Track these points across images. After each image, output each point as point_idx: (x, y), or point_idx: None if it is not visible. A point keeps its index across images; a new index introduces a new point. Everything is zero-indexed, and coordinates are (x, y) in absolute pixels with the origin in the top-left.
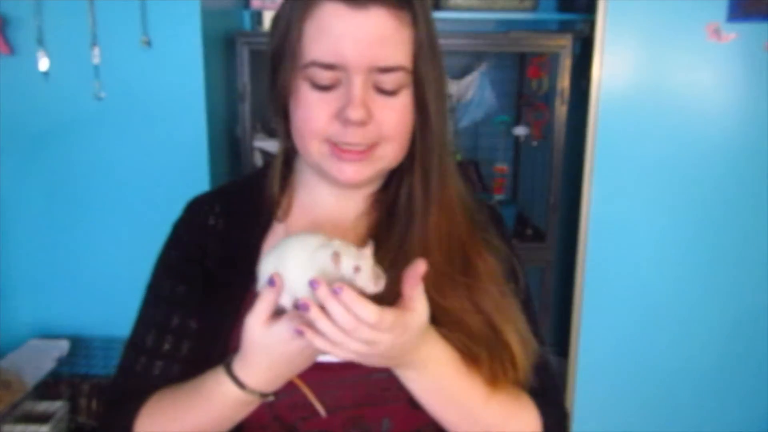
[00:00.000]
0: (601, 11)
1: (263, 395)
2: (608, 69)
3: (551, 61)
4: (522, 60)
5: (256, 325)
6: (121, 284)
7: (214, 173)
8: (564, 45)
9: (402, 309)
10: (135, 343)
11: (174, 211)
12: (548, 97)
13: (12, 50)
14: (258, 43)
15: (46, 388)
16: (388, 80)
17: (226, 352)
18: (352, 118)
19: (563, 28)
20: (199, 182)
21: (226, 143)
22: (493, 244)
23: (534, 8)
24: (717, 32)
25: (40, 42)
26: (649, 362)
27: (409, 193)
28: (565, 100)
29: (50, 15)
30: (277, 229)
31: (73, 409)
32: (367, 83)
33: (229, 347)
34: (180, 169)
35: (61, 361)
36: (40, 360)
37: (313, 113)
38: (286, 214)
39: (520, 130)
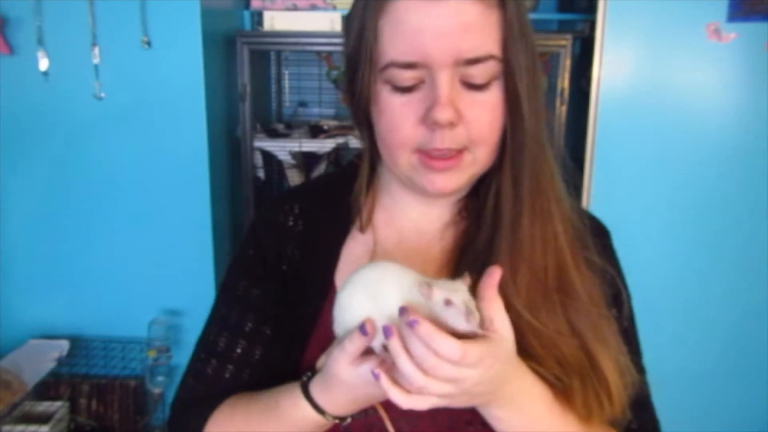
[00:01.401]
0: (601, 11)
1: (341, 419)
2: (608, 69)
3: (551, 61)
4: None
5: (342, 363)
6: (121, 284)
7: (214, 173)
8: (564, 45)
9: (485, 337)
10: (207, 344)
11: (174, 211)
12: (548, 97)
13: (12, 50)
14: (258, 43)
15: (46, 388)
16: (477, 72)
17: (302, 360)
18: (439, 120)
19: (563, 28)
20: (199, 182)
21: (226, 143)
22: (596, 263)
23: (534, 8)
24: (717, 32)
25: (40, 42)
26: (647, 362)
27: (496, 197)
28: (565, 100)
29: (50, 15)
30: (358, 236)
31: (73, 409)
32: (454, 79)
33: (305, 356)
34: (180, 169)
35: (61, 361)
36: (40, 360)
37: (398, 120)
38: (369, 221)
39: None
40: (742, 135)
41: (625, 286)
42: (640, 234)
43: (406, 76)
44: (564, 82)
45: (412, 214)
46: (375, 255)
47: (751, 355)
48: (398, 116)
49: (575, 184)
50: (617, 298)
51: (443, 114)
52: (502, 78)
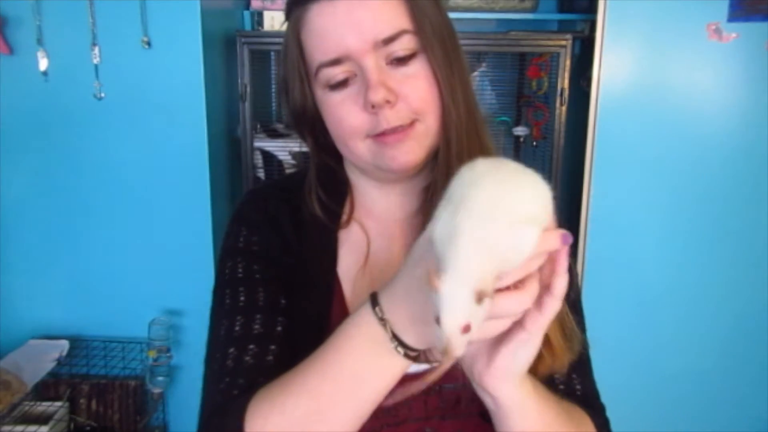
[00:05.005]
0: (601, 11)
1: (401, 342)
2: (608, 69)
3: (551, 61)
4: (522, 60)
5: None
6: (121, 285)
7: (214, 173)
8: (564, 45)
9: None
10: (234, 338)
11: (174, 211)
12: (548, 97)
13: (12, 50)
14: (258, 43)
15: (46, 388)
16: (398, 47)
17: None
18: (374, 101)
19: (563, 28)
20: (199, 182)
21: (226, 143)
22: None
23: (534, 8)
24: (717, 32)
25: (40, 42)
26: (648, 361)
27: (433, 176)
28: (565, 100)
29: (50, 15)
30: (347, 227)
31: (73, 410)
32: (379, 62)
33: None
34: (180, 169)
35: (61, 361)
36: (39, 360)
37: (343, 114)
38: (348, 221)
39: (520, 130)
40: (742, 135)
41: (573, 266)
42: (640, 233)
43: (337, 72)
44: (564, 82)
45: (385, 205)
46: (363, 244)
47: (751, 355)
48: (342, 110)
49: (575, 185)
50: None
51: (377, 95)
52: (422, 50)
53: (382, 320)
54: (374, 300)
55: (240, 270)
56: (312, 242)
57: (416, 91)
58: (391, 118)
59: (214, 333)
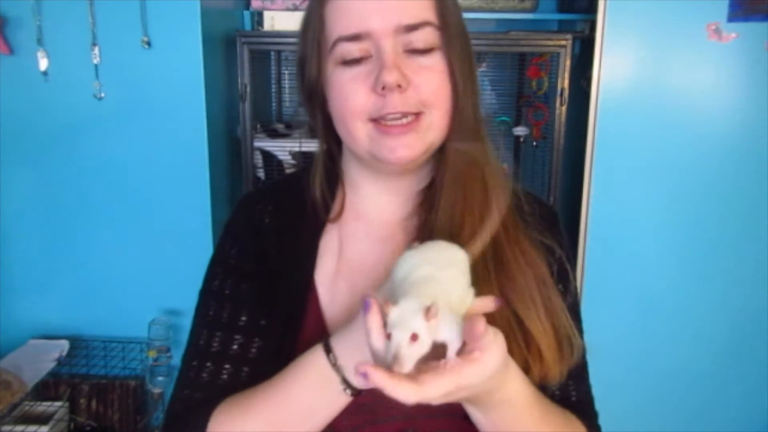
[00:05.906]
0: (601, 11)
1: (347, 383)
2: (608, 69)
3: (551, 61)
4: (522, 60)
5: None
6: (121, 285)
7: (214, 173)
8: (564, 45)
9: (453, 369)
10: (198, 350)
11: (174, 211)
12: (548, 97)
13: (12, 50)
14: (258, 43)
15: (46, 388)
16: (418, 38)
17: (293, 357)
18: (387, 82)
19: (563, 28)
20: (199, 182)
21: (226, 143)
22: (542, 242)
23: (534, 8)
24: (717, 32)
25: (40, 42)
26: (648, 360)
27: (438, 176)
28: (565, 100)
29: (50, 15)
30: (330, 230)
31: (73, 410)
32: (397, 47)
33: (295, 354)
34: (180, 169)
35: (61, 362)
36: (39, 360)
37: (350, 91)
38: (339, 214)
39: (520, 130)
40: (742, 135)
41: (573, 268)
42: (640, 233)
43: (354, 49)
44: (564, 82)
45: (378, 205)
46: (345, 247)
47: (751, 355)
48: (350, 88)
49: (575, 185)
50: (563, 275)
51: (390, 76)
52: (442, 47)
53: (335, 366)
54: (328, 346)
55: (216, 283)
56: (293, 249)
57: (429, 82)
58: (397, 102)
59: (188, 340)
